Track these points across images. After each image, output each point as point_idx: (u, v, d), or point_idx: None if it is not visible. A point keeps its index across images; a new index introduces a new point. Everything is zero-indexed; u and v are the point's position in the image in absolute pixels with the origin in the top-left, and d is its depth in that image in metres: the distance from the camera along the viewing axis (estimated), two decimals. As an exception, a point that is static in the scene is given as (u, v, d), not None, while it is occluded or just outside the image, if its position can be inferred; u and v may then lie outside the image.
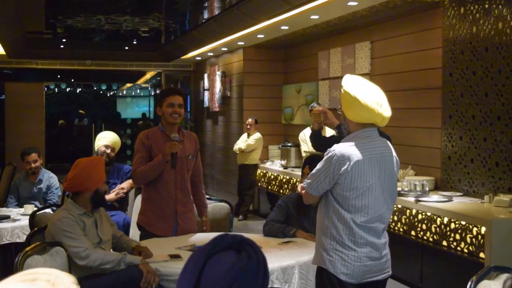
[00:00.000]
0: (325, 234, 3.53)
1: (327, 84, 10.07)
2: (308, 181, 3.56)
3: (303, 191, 3.67)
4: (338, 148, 3.47)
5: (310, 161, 4.90)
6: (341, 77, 9.25)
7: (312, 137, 4.67)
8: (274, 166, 10.64)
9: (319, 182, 3.48)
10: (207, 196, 6.08)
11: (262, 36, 10.35)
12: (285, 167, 10.13)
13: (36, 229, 4.63)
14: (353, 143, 3.48)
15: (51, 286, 1.27)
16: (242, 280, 1.55)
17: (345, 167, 3.41)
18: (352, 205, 3.45)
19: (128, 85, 23.49)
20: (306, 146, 8.74)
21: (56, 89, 21.75)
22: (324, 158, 3.52)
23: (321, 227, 3.57)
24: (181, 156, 4.95)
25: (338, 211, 3.46)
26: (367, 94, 3.46)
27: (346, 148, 3.46)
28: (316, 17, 8.39)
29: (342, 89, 3.57)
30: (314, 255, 3.67)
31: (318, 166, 3.52)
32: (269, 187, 10.74)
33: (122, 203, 6.55)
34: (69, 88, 22.40)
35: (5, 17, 9.15)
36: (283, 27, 9.33)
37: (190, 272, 1.58)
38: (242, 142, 10.88)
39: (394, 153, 3.64)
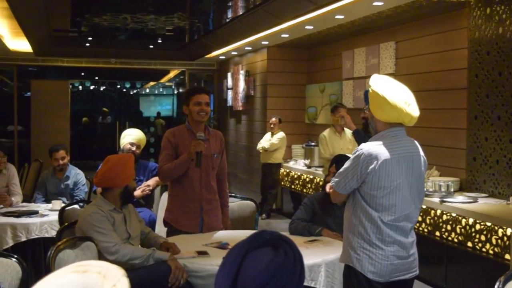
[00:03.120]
0: (353, 232, 3.55)
1: (351, 84, 10.08)
2: (336, 179, 3.59)
3: (331, 190, 3.70)
4: (366, 147, 3.49)
5: (337, 160, 4.93)
6: (365, 77, 9.33)
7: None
8: (297, 165, 10.67)
9: (347, 181, 3.51)
10: (232, 194, 6.14)
11: (286, 35, 10.38)
12: (309, 167, 10.15)
13: (66, 224, 4.70)
14: (380, 142, 3.50)
15: (102, 278, 1.32)
16: (279, 277, 1.59)
17: (373, 166, 3.44)
18: (379, 204, 3.47)
19: (152, 83, 23.61)
20: (325, 149, 8.43)
21: (80, 86, 21.92)
22: (352, 157, 3.55)
23: (349, 225, 3.60)
24: (207, 155, 4.99)
25: (366, 210, 3.49)
26: (395, 94, 3.48)
27: (374, 147, 3.48)
28: (341, 17, 8.40)
29: (370, 89, 3.59)
30: (342, 253, 3.70)
31: (346, 164, 3.55)
32: (292, 186, 10.76)
33: (147, 200, 6.62)
34: (94, 86, 22.57)
35: (33, 15, 9.27)
36: (307, 27, 9.35)
37: (228, 267, 1.62)
38: (265, 141, 10.91)
39: (421, 153, 3.65)
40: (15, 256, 3.57)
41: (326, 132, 8.37)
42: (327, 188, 3.93)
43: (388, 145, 3.49)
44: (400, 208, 3.48)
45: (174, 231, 5.00)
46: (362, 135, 4.25)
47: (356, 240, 3.52)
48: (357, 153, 3.51)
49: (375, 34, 9.39)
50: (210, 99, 5.22)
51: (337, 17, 8.39)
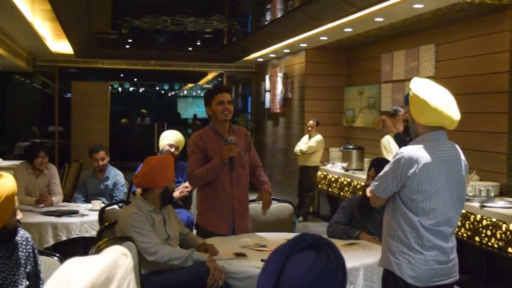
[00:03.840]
0: (392, 236, 3.53)
1: (390, 87, 10.02)
2: (376, 183, 3.58)
3: (370, 194, 3.69)
4: (406, 151, 3.47)
5: (375, 164, 4.91)
6: (404, 80, 9.26)
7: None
8: (335, 168, 10.63)
9: (387, 185, 3.49)
10: (271, 197, 6.14)
11: (325, 38, 10.36)
12: (346, 170, 10.10)
13: (106, 224, 4.76)
14: (421, 146, 3.48)
15: (126, 257, 1.37)
16: (321, 280, 1.58)
17: (413, 169, 3.42)
18: (419, 208, 3.44)
19: (190, 85, 23.76)
20: (389, 155, 8.17)
21: (119, 88, 22.16)
22: (392, 161, 3.53)
23: (388, 229, 3.58)
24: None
25: (406, 214, 3.47)
26: (436, 97, 3.45)
27: (414, 151, 3.46)
28: (381, 19, 8.35)
29: (410, 92, 3.56)
30: (381, 257, 3.68)
31: (386, 168, 3.53)
32: (330, 189, 10.73)
33: (186, 201, 6.66)
34: (132, 88, 22.79)
35: (76, 18, 9.40)
36: (346, 29, 9.32)
37: (270, 270, 1.63)
38: (303, 144, 10.90)
39: (462, 157, 3.62)
40: (57, 255, 3.63)
41: (388, 137, 8.25)
42: (367, 192, 3.90)
43: (429, 149, 3.47)
44: (440, 212, 3.46)
45: (206, 233, 4.98)
46: (403, 139, 4.21)
47: (396, 244, 3.50)
48: (397, 156, 3.49)
49: (414, 37, 9.32)
50: (231, 97, 5.20)
51: (376, 19, 8.35)
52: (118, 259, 1.39)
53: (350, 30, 9.37)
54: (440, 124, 3.50)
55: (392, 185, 3.48)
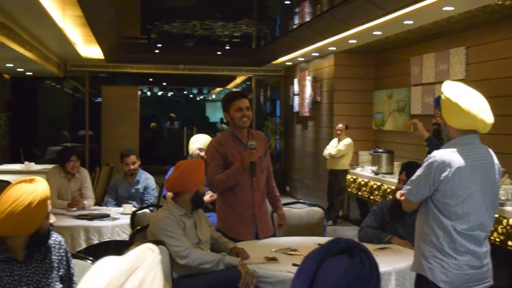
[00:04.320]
0: (425, 241, 3.51)
1: (419, 90, 9.95)
2: (408, 187, 3.56)
3: (402, 197, 3.67)
4: (439, 155, 3.45)
5: (407, 167, 4.88)
6: (434, 83, 9.19)
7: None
8: (365, 172, 10.58)
9: (419, 189, 3.47)
10: (300, 201, 6.14)
11: (354, 41, 10.32)
12: (376, 173, 10.05)
13: (138, 227, 4.79)
14: (454, 150, 3.45)
15: (152, 251, 1.39)
16: (355, 285, 1.58)
17: (446, 173, 3.39)
18: (452, 212, 3.42)
19: (218, 89, 23.81)
20: None
21: (148, 92, 22.29)
22: (424, 164, 3.51)
23: (421, 234, 3.56)
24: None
25: (438, 218, 3.44)
26: (468, 100, 3.43)
27: (447, 155, 3.44)
28: (410, 22, 8.30)
29: (442, 95, 3.54)
30: (413, 262, 3.66)
31: (418, 172, 3.51)
32: (359, 193, 10.68)
33: (215, 205, 6.66)
34: (161, 92, 22.91)
35: (106, 23, 9.49)
36: (375, 32, 9.28)
37: (304, 274, 1.62)
38: (332, 148, 10.87)
39: (496, 161, 3.59)
40: (90, 258, 3.66)
41: None
42: (398, 196, 3.89)
43: (462, 152, 3.44)
44: (473, 216, 3.43)
45: (229, 239, 4.90)
46: (435, 143, 4.19)
47: (428, 249, 3.48)
48: (429, 160, 3.47)
49: (444, 40, 9.25)
50: (249, 102, 5.18)
51: (406, 22, 8.30)
52: (143, 252, 1.41)
53: (379, 33, 9.32)
54: (472, 128, 3.47)
55: (425, 189, 3.45)
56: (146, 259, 1.40)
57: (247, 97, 5.13)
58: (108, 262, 1.39)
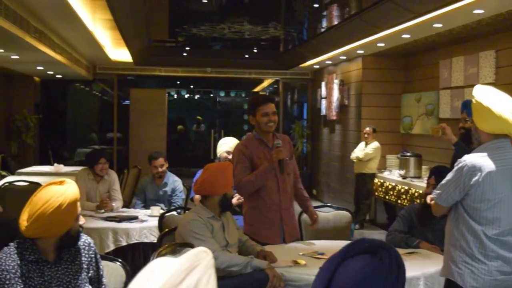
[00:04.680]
0: (454, 246, 3.48)
1: (448, 94, 9.87)
2: (438, 191, 3.54)
3: (432, 202, 3.64)
4: (469, 159, 3.42)
5: (436, 172, 4.84)
6: (463, 87, 9.10)
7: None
8: (392, 175, 10.52)
9: (449, 193, 3.45)
10: (328, 204, 6.12)
11: (382, 44, 10.27)
12: (404, 177, 9.98)
13: (166, 230, 4.81)
14: (485, 154, 3.42)
15: (206, 254, 1.41)
16: (370, 281, 1.56)
17: (476, 178, 3.36)
18: (483, 217, 3.39)
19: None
20: None
21: (176, 95, 22.40)
22: (454, 169, 3.48)
23: (450, 238, 3.53)
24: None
25: (468, 223, 3.41)
26: (500, 104, 3.40)
27: (478, 159, 3.41)
28: (440, 25, 8.24)
29: (473, 99, 3.51)
30: (442, 266, 3.63)
31: (448, 176, 3.49)
32: (387, 197, 10.62)
33: (242, 208, 6.67)
34: (188, 95, 23.01)
35: (135, 27, 9.56)
36: (404, 36, 9.22)
37: (323, 273, 1.62)
38: (359, 151, 10.83)
39: (527, 165, 3.55)
40: (119, 260, 3.69)
41: None
42: (428, 200, 3.86)
43: (493, 157, 3.41)
44: (504, 221, 3.39)
45: (256, 243, 4.89)
46: (463, 148, 4.16)
47: (458, 254, 3.45)
48: (460, 164, 3.44)
49: (474, 43, 9.17)
50: (275, 106, 5.16)
51: (435, 25, 8.24)
52: (199, 253, 1.44)
53: (408, 36, 9.27)
54: (504, 132, 3.44)
55: (455, 193, 3.43)
56: (202, 260, 1.43)
57: (273, 102, 5.11)
58: (165, 261, 1.43)
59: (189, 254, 1.41)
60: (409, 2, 7.51)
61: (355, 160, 10.91)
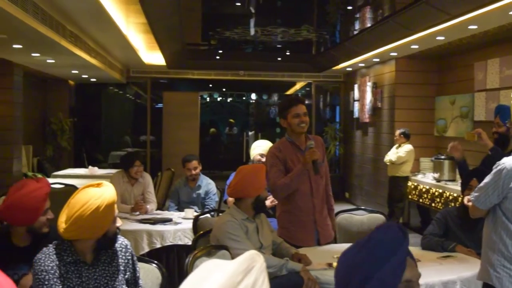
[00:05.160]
0: (492, 249, 3.44)
1: (483, 96, 9.76)
2: (476, 194, 3.51)
3: (469, 203, 3.61)
4: (509, 161, 3.39)
5: (477, 174, 4.78)
6: (499, 89, 9.00)
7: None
8: (426, 178, 10.44)
9: (487, 196, 3.41)
10: (362, 207, 6.10)
11: (416, 46, 10.20)
12: (438, 180, 9.90)
13: (201, 232, 4.84)
14: (523, 157, 3.39)
15: (259, 256, 1.44)
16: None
17: (515, 181, 3.33)
18: (522, 221, 3.35)
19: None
20: None
21: (208, 98, 22.49)
22: (493, 171, 3.45)
23: (488, 242, 3.49)
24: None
25: (507, 227, 3.38)
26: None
27: (516, 162, 3.37)
28: (475, 27, 8.16)
29: None
30: (480, 270, 3.60)
31: (487, 179, 3.46)
32: (420, 200, 10.54)
33: (276, 211, 6.66)
34: (220, 98, 23.09)
35: (169, 30, 9.62)
36: (438, 38, 9.15)
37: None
38: (392, 154, 10.77)
39: None
40: (155, 262, 3.71)
41: None
42: (465, 201, 3.83)
43: (532, 160, 3.37)
44: (543, 225, 3.35)
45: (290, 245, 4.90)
46: (500, 153, 4.11)
47: (496, 257, 3.42)
48: (498, 167, 3.41)
49: (509, 44, 9.05)
50: (306, 108, 5.15)
51: (470, 27, 8.16)
52: (253, 255, 1.46)
53: (442, 38, 9.18)
54: (542, 135, 3.41)
55: (493, 196, 3.39)
56: (257, 261, 1.45)
57: (304, 103, 5.12)
58: (220, 263, 1.45)
59: (245, 256, 1.43)
60: (444, 4, 7.45)
61: (388, 163, 10.85)
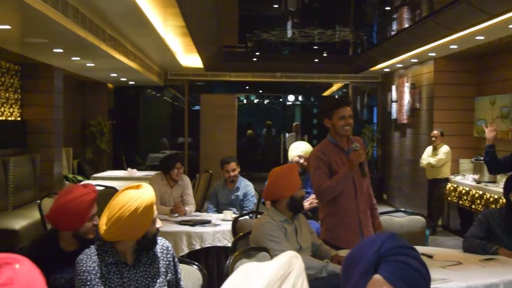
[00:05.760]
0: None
1: (524, 96, 9.62)
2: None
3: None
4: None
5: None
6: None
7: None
8: (466, 180, 10.31)
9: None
10: (401, 209, 6.05)
11: (455, 46, 10.08)
12: (478, 182, 9.77)
13: (241, 234, 4.85)
14: None
15: (297, 258, 1.43)
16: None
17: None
18: None
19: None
20: None
21: (245, 100, 22.54)
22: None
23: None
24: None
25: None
26: None
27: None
28: (515, 26, 8.05)
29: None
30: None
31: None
32: (460, 202, 10.41)
33: (315, 212, 6.63)
34: (257, 99, 23.12)
35: (207, 33, 9.66)
36: (478, 37, 9.03)
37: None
38: (430, 157, 10.68)
39: None
40: (196, 263, 3.73)
41: None
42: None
43: None
44: None
45: (335, 248, 4.82)
46: None
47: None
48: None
49: (551, 43, 8.92)
50: (355, 109, 5.13)
51: (510, 26, 8.04)
52: (291, 259, 1.45)
53: (482, 38, 9.07)
54: None
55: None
56: (295, 265, 1.44)
57: (350, 105, 5.11)
58: (259, 267, 1.45)
59: (283, 261, 1.43)
60: (484, 3, 7.36)
61: (426, 167, 10.75)
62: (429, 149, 10.83)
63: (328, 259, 4.37)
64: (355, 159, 4.78)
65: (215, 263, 6.23)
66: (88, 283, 3.12)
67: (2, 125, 9.23)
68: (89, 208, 3.55)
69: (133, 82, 14.54)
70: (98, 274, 3.14)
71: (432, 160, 10.56)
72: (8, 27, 6.34)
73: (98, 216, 3.33)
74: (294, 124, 17.12)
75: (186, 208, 7.00)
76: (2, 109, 9.41)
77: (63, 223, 3.55)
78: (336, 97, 18.87)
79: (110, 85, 15.20)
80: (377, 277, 1.47)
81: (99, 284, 3.13)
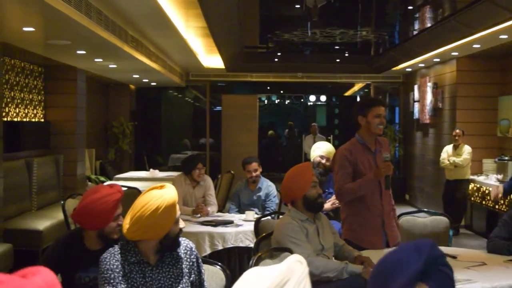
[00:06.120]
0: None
1: (549, 95, 9.52)
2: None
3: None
4: None
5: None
6: None
7: None
8: (489, 180, 10.23)
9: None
10: (424, 210, 6.01)
11: (477, 46, 10.00)
12: (502, 182, 9.69)
13: (264, 234, 4.85)
14: None
15: (300, 264, 1.42)
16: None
17: None
18: None
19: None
20: None
21: (266, 100, 22.54)
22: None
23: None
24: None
25: None
26: None
27: None
28: (540, 25, 7.98)
29: None
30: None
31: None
32: (483, 202, 10.33)
33: (337, 213, 6.61)
34: (278, 100, 23.10)
35: (229, 34, 9.69)
36: (501, 36, 8.95)
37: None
38: (452, 157, 10.60)
39: None
40: (219, 264, 3.74)
41: None
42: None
43: None
44: None
45: (358, 249, 4.79)
46: None
47: None
48: None
49: None
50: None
51: (535, 24, 7.98)
52: (292, 265, 1.44)
53: (505, 36, 8.99)
54: None
55: None
56: (295, 272, 1.43)
57: (385, 106, 5.11)
58: (258, 274, 1.44)
59: (283, 267, 1.41)
60: (507, 2, 7.30)
61: (450, 167, 10.68)
62: (449, 148, 10.75)
63: (350, 260, 4.34)
64: (384, 170, 4.77)
65: (237, 263, 6.23)
66: (112, 281, 3.15)
67: (26, 127, 9.31)
68: (114, 208, 3.57)
69: (155, 83, 14.60)
70: (121, 273, 3.16)
71: (458, 160, 10.48)
72: (32, 29, 6.41)
73: (123, 216, 3.35)
74: (312, 125, 17.08)
75: (209, 209, 7.02)
76: (26, 110, 9.50)
77: (88, 222, 3.58)
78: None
79: (132, 86, 15.28)
80: (422, 286, 1.48)
81: (122, 282, 3.15)
